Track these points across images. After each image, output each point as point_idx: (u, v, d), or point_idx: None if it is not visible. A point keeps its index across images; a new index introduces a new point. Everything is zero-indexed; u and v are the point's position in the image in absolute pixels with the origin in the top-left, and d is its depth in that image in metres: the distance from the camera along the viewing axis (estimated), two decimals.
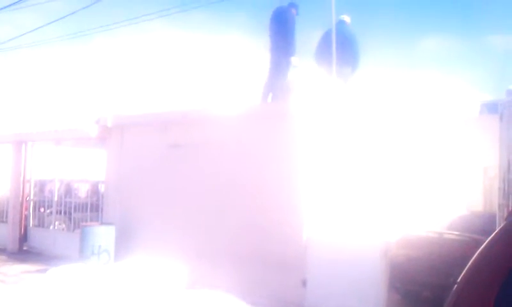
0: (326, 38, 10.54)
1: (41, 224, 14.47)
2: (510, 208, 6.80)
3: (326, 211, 9.00)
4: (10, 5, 13.51)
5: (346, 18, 10.93)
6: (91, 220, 12.68)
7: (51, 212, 14.09)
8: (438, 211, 10.27)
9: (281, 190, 9.06)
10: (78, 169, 16.23)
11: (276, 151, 9.21)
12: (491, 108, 12.18)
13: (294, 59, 10.50)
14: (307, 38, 11.57)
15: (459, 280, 2.97)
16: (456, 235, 8.33)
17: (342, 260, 8.07)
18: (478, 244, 3.09)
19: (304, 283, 8.57)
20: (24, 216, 14.36)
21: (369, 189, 9.68)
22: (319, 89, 10.11)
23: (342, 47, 10.12)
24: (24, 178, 14.42)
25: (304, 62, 10.91)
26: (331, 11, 10.06)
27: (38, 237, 14.05)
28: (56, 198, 13.93)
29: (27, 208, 14.55)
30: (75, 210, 13.96)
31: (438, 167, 11.11)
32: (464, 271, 2.99)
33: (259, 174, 9.43)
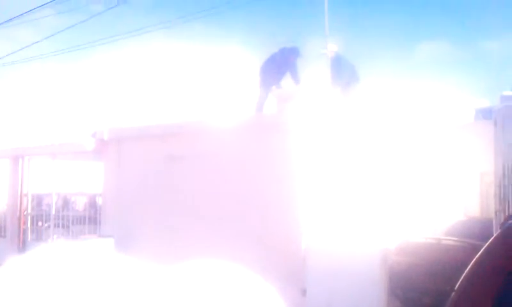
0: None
1: (39, 238, 14.44)
2: (506, 214, 6.84)
3: (324, 220, 9.01)
4: (8, 21, 13.57)
5: (333, 47, 11.15)
6: (90, 233, 12.66)
7: (49, 226, 14.07)
8: (436, 217, 10.30)
9: (278, 201, 9.07)
10: (75, 183, 16.21)
11: (272, 162, 9.24)
12: (486, 114, 12.26)
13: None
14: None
15: (456, 287, 3.00)
16: (454, 240, 8.37)
17: (341, 269, 8.07)
18: (476, 249, 3.12)
19: (304, 293, 8.56)
20: (22, 230, 14.32)
21: (367, 196, 9.70)
22: (314, 100, 10.15)
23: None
24: (21, 192, 14.38)
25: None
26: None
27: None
28: (53, 212, 13.91)
29: (25, 223, 14.50)
30: (73, 223, 13.95)
31: (435, 173, 11.14)
32: (462, 277, 3.02)
33: (256, 184, 9.45)
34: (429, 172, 11.06)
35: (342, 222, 9.13)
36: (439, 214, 10.42)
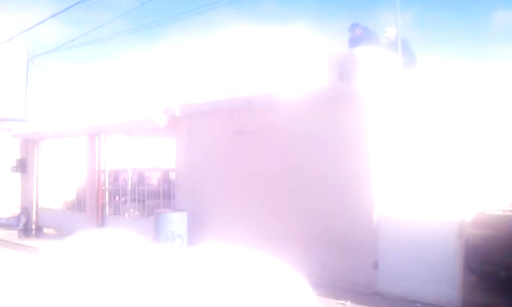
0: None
1: (116, 212, 14.97)
2: None
3: (397, 191, 8.87)
4: (79, 2, 14.01)
5: (392, 30, 10.70)
6: (164, 207, 13.00)
7: (126, 200, 14.56)
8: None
9: (350, 171, 8.99)
10: (149, 158, 16.63)
11: (343, 133, 9.14)
12: None
13: None
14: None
15: None
16: None
17: (415, 241, 7.94)
18: None
19: (375, 265, 8.50)
20: (100, 205, 14.91)
21: (442, 167, 9.45)
22: (386, 72, 9.93)
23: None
24: (98, 168, 14.94)
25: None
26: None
27: (114, 224, 14.54)
28: (129, 187, 14.37)
29: (103, 197, 15.08)
30: (148, 198, 14.35)
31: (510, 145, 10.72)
32: None
33: (327, 154, 9.39)
34: (505, 143, 10.64)
35: (416, 194, 8.95)
36: None
